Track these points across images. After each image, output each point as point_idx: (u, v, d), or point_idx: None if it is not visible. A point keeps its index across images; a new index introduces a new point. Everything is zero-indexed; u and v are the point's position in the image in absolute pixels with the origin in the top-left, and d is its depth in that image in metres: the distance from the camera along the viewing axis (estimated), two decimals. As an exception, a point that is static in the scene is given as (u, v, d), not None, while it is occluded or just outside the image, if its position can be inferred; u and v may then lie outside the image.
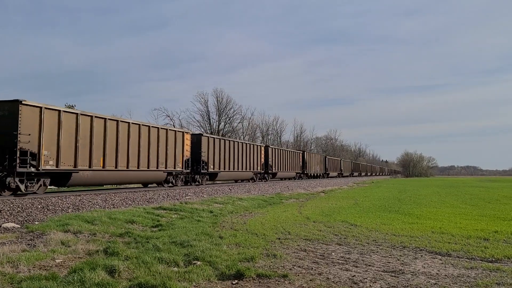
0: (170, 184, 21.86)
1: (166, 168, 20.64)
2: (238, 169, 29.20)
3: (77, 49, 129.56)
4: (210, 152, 25.20)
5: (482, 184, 52.30)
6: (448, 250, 8.03)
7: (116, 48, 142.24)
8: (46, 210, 11.49)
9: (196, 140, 24.34)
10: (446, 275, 6.14)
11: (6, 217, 10.03)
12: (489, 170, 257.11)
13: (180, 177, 22.73)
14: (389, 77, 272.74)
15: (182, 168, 22.23)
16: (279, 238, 9.16)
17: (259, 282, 5.81)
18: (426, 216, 13.59)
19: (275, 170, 36.66)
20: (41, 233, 8.64)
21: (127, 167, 17.75)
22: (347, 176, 72.50)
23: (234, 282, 5.79)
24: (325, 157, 55.31)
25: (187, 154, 22.83)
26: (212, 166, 25.49)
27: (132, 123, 18.49)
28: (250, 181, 32.98)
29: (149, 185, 22.16)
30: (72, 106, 33.48)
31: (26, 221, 9.98)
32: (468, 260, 7.20)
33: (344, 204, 18.83)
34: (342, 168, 68.07)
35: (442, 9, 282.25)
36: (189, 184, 23.92)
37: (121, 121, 17.80)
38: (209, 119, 61.39)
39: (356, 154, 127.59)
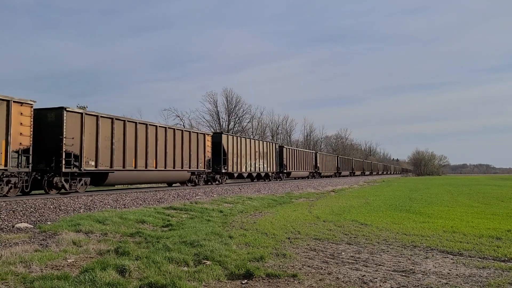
0: None
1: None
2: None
3: (82, 50, 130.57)
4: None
5: (495, 182, 51.61)
6: (459, 249, 7.94)
7: (120, 49, 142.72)
8: (58, 210, 11.63)
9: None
10: (457, 275, 6.08)
11: (19, 217, 10.18)
12: (503, 168, 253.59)
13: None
14: (398, 75, 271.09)
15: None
16: (288, 238, 9.15)
17: (269, 281, 5.81)
18: (437, 215, 13.46)
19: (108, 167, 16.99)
20: (53, 233, 8.75)
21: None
22: (329, 177, 55.10)
23: (243, 282, 5.81)
24: (282, 148, 39.18)
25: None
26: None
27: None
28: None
29: None
30: (84, 107, 33.80)
31: (38, 221, 10.12)
32: (480, 259, 7.12)
33: (354, 203, 18.73)
34: (319, 165, 50.26)
35: (448, 7, 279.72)
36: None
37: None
38: (219, 119, 61.57)
39: (367, 153, 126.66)
